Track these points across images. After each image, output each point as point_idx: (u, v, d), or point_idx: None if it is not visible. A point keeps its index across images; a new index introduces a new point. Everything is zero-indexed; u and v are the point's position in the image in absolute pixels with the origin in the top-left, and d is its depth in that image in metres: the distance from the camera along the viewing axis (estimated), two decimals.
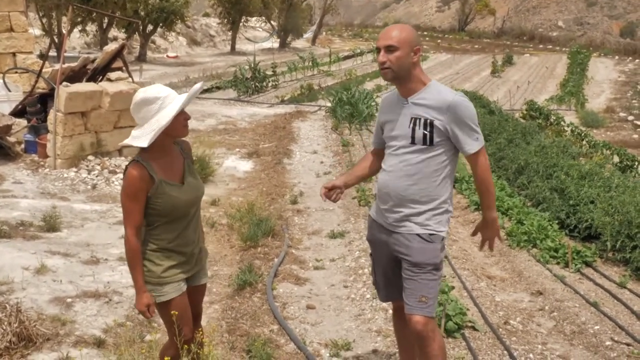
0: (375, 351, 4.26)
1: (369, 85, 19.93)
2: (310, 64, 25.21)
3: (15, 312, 3.96)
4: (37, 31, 22.73)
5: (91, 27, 26.97)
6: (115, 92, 8.87)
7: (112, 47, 10.35)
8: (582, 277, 5.91)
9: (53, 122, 8.46)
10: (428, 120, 3.11)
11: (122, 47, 10.36)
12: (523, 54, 37.03)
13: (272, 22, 39.92)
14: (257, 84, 18.82)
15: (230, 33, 35.29)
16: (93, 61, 10.33)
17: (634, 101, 20.31)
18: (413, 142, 3.15)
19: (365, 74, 24.23)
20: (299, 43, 40.20)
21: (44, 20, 23.50)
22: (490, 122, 12.03)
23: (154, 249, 2.99)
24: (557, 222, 7.04)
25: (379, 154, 3.44)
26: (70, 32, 23.36)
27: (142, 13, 25.96)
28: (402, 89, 3.22)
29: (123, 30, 26.52)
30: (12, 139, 9.14)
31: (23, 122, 9.73)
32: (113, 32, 27.18)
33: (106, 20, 25.18)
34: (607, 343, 4.55)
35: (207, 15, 42.27)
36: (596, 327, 4.79)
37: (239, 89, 18.45)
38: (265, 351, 3.95)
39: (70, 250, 5.75)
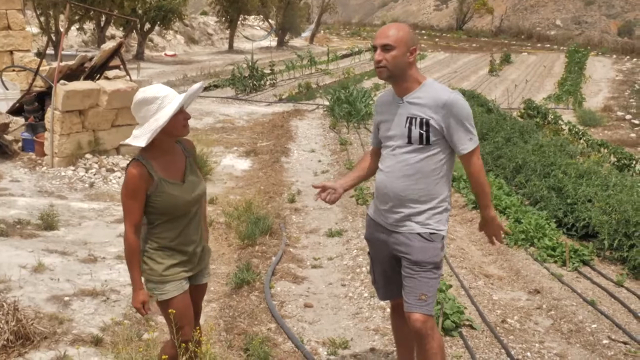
0: (372, 349, 4.26)
1: (367, 84, 19.92)
2: (308, 62, 25.19)
3: (13, 310, 3.95)
4: (35, 29, 22.71)
5: (89, 25, 26.97)
6: (113, 90, 8.85)
7: (109, 45, 10.31)
8: (580, 275, 5.91)
9: (50, 120, 8.45)
10: (424, 120, 3.10)
11: (120, 46, 10.34)
12: (521, 52, 37.06)
13: (270, 20, 39.91)
14: (255, 82, 18.80)
15: (228, 31, 35.25)
16: (91, 59, 10.30)
17: (631, 100, 20.34)
18: (409, 142, 3.14)
19: (363, 72, 24.23)
20: (296, 41, 40.21)
21: (42, 18, 23.48)
22: (488, 121, 12.03)
23: (156, 248, 3.00)
24: (554, 220, 7.04)
25: (378, 153, 3.43)
26: (67, 30, 23.30)
27: (140, 11, 25.93)
28: (398, 88, 3.22)
29: (121, 29, 26.50)
30: (9, 137, 9.13)
31: (20, 120, 9.72)
32: (111, 30, 27.17)
33: (104, 18, 25.15)
34: (604, 341, 4.55)
35: (205, 13, 42.22)
36: (593, 326, 4.80)
37: (236, 87, 18.43)
38: (263, 350, 3.95)
39: (67, 248, 5.75)
